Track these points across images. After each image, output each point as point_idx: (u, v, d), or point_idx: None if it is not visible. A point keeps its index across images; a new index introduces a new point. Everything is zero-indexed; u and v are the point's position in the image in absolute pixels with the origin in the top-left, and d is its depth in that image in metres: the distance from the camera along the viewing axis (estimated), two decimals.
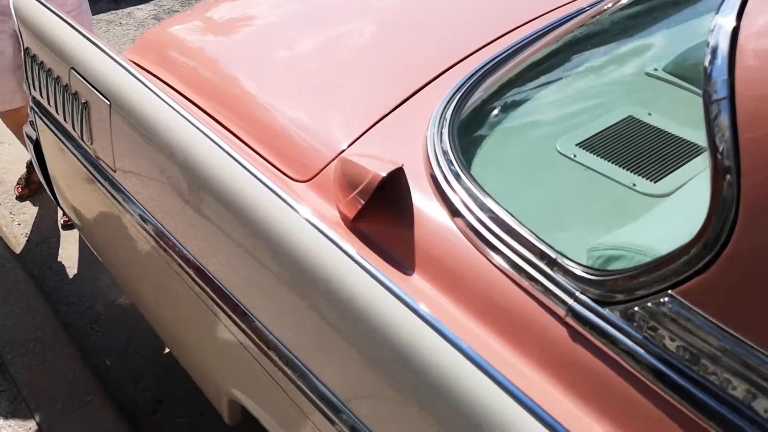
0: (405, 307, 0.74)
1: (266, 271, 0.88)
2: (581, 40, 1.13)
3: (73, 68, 1.14)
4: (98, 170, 1.18)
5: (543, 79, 1.08)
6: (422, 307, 0.73)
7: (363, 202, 0.81)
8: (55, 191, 1.58)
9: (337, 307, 0.79)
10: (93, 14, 3.66)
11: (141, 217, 1.10)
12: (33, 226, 2.30)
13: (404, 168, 0.84)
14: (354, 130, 0.96)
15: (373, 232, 0.84)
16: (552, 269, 0.71)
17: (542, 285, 0.71)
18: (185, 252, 1.02)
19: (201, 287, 1.00)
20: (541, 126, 1.01)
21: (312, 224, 0.82)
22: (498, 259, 0.75)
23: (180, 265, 1.05)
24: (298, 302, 0.84)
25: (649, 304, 0.62)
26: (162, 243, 1.07)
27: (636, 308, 0.63)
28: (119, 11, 3.72)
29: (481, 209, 0.78)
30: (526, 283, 0.72)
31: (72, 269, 2.15)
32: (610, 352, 0.65)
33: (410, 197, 0.84)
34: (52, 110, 1.26)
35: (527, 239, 0.73)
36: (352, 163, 0.82)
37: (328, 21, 1.25)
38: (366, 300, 0.76)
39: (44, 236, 2.26)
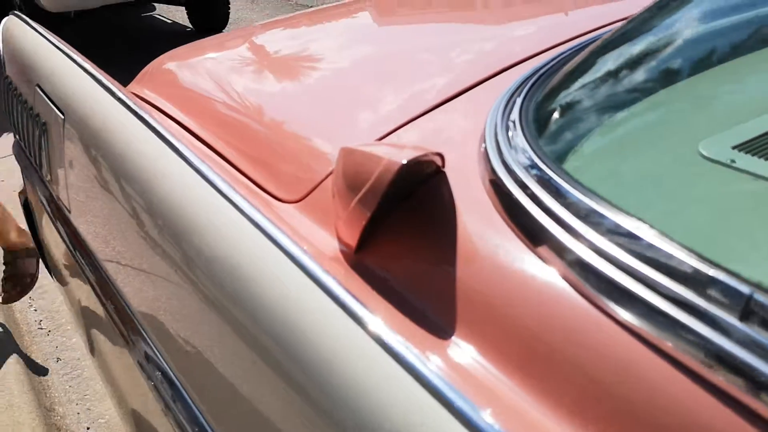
0: (451, 415, 0.37)
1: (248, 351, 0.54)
2: (711, 11, 0.79)
3: (38, 85, 0.90)
4: (56, 214, 0.91)
5: (657, 63, 0.74)
6: (486, 419, 0.37)
7: (369, 213, 0.46)
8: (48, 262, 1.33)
9: (332, 410, 0.43)
10: None
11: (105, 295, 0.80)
12: (50, 312, 2.07)
13: (445, 166, 0.51)
14: (369, 134, 0.64)
15: (390, 270, 0.49)
16: (747, 321, 0.33)
17: (733, 362, 0.33)
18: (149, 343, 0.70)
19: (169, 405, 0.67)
20: (666, 124, 0.65)
21: (289, 255, 0.49)
22: (632, 318, 0.37)
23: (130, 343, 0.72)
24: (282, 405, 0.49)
25: None
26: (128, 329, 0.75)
27: None
28: None
29: (596, 228, 0.42)
30: (694, 361, 0.34)
31: (82, 361, 1.86)
32: None
33: (454, 213, 0.49)
34: (23, 144, 1.03)
35: (699, 275, 0.36)
36: (358, 154, 0.49)
37: (335, 37, 0.98)
38: (379, 398, 0.40)
39: (59, 324, 2.01)
